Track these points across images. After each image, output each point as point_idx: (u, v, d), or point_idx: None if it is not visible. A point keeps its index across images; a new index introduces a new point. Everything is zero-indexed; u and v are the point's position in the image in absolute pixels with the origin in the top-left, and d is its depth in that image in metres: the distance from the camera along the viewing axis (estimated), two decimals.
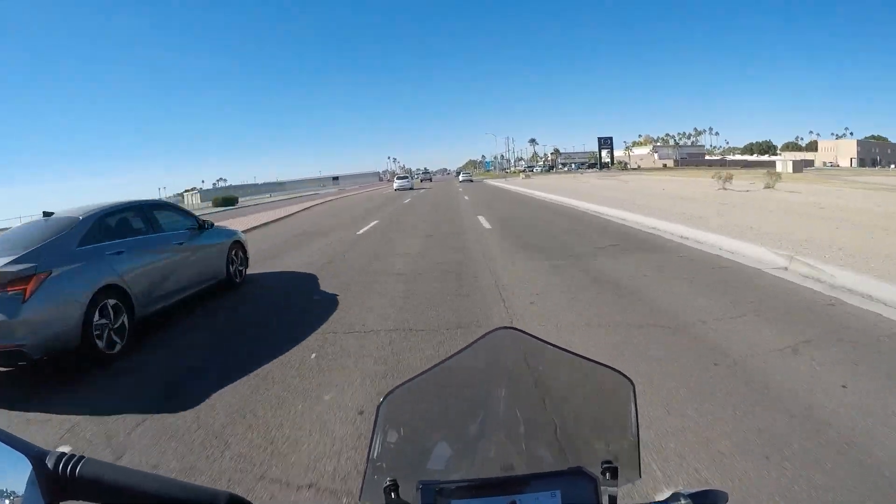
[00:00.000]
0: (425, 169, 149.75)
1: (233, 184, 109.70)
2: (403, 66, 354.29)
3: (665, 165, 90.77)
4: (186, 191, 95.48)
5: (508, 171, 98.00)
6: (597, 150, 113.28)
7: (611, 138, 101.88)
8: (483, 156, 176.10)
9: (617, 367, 0.61)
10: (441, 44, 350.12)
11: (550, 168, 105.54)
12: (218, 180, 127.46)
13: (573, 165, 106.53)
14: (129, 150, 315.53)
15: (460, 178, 62.77)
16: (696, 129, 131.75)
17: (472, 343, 0.61)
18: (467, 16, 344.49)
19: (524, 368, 0.63)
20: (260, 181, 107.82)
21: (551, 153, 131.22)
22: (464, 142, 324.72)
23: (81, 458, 0.55)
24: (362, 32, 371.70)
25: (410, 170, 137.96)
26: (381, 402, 0.59)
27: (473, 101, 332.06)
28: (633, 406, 0.60)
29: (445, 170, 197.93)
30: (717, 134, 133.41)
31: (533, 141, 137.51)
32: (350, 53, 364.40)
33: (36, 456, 0.52)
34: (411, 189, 39.12)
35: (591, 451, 0.61)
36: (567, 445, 0.61)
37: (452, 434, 0.62)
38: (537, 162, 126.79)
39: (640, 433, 0.61)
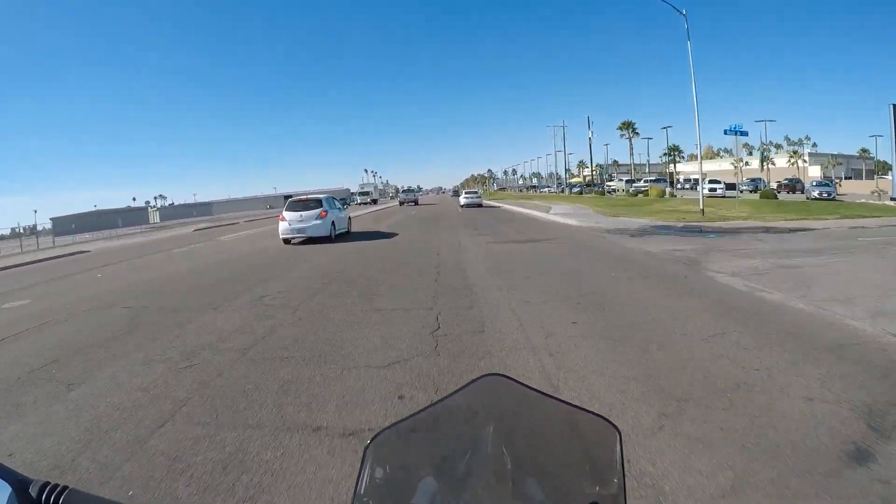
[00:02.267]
0: (416, 186, 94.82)
1: (175, 202, 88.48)
2: (390, 74, 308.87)
3: None
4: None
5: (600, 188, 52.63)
6: (648, 162, 66.73)
7: None
8: (489, 170, 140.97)
9: (603, 415, 0.62)
10: (429, 53, 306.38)
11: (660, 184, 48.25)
12: (156, 197, 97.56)
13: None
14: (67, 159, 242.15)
15: (462, 199, 37.25)
16: (787, 139, 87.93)
17: (462, 388, 0.62)
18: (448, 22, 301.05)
19: (512, 412, 0.64)
20: (200, 199, 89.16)
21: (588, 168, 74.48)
22: (464, 158, 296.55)
23: (66, 488, 0.55)
24: (342, 38, 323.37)
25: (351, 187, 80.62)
26: (369, 443, 0.61)
27: (472, 113, 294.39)
28: (618, 451, 0.61)
29: (441, 188, 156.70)
30: (815, 145, 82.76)
31: (630, 126, 72.41)
32: (327, 60, 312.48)
33: (18, 483, 0.51)
34: (328, 239, 14.18)
35: (576, 493, 0.61)
36: (553, 486, 0.61)
37: (439, 471, 0.63)
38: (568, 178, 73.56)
39: (626, 473, 0.62)
